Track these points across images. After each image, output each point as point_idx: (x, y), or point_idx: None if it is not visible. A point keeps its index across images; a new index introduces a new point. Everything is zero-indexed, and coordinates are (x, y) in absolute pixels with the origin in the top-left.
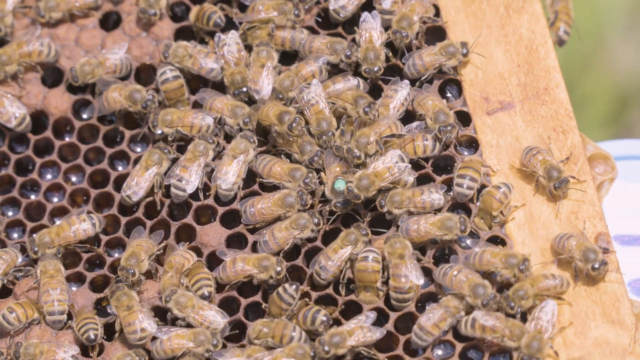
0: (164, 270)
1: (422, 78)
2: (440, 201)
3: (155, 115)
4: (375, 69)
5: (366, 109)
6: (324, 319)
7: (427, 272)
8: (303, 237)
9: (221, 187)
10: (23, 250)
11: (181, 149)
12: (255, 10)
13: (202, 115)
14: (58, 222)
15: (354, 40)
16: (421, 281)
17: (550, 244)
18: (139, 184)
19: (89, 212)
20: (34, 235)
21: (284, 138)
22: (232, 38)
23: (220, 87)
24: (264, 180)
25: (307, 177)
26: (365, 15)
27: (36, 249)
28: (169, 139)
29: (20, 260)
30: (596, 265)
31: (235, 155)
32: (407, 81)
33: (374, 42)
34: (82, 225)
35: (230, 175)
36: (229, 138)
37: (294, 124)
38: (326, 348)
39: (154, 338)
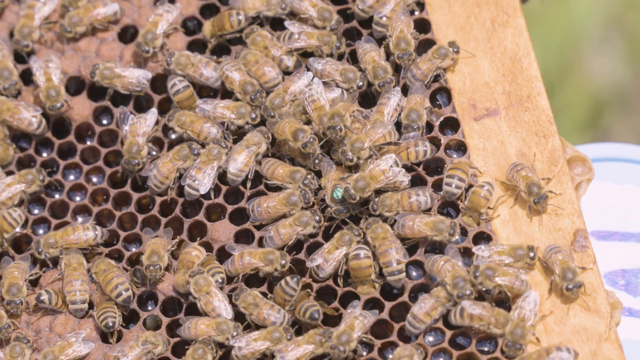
0: (177, 268)
1: (425, 83)
2: (427, 203)
3: (175, 111)
4: (388, 80)
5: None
6: (316, 316)
7: (419, 265)
8: (305, 233)
9: (229, 170)
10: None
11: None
12: (301, 39)
13: (210, 125)
14: (65, 227)
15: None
16: (406, 257)
17: (541, 250)
18: (164, 172)
19: (96, 224)
20: (41, 237)
21: (292, 149)
22: (228, 64)
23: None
24: (268, 182)
25: (306, 179)
26: (358, 43)
27: (40, 249)
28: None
29: (29, 270)
30: (570, 286)
31: (248, 146)
32: (398, 88)
33: (377, 60)
34: (85, 232)
35: (239, 162)
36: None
37: (308, 143)
38: (341, 348)
39: (179, 325)
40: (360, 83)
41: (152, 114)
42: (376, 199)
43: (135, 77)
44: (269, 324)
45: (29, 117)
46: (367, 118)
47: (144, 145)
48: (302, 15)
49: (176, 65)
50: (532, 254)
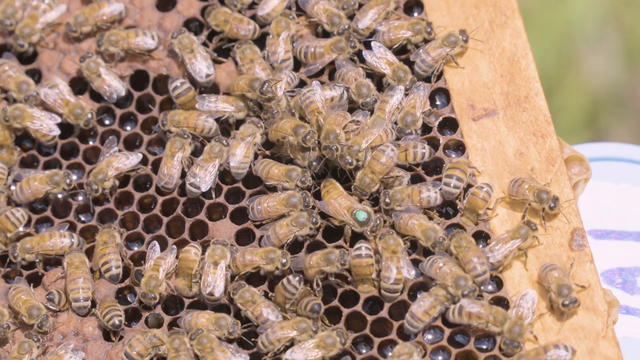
0: (177, 272)
1: (435, 72)
2: (436, 199)
3: (165, 114)
4: (371, 101)
5: (305, 138)
6: (316, 308)
7: (417, 264)
8: (302, 234)
9: (231, 165)
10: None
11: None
12: (317, 55)
13: (205, 117)
14: (41, 232)
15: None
16: (412, 274)
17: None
18: (170, 173)
19: (71, 231)
20: (18, 242)
21: (292, 147)
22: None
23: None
24: (266, 183)
25: (303, 176)
26: (365, 53)
27: (16, 254)
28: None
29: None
30: (566, 302)
31: (243, 138)
32: (402, 87)
33: (393, 62)
34: (61, 239)
35: (238, 156)
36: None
37: (308, 137)
38: None
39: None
40: (369, 100)
41: (136, 157)
42: (387, 192)
43: (110, 87)
44: (262, 321)
45: (51, 126)
46: (359, 123)
47: (111, 177)
48: (313, 18)
49: (178, 44)
50: (534, 226)
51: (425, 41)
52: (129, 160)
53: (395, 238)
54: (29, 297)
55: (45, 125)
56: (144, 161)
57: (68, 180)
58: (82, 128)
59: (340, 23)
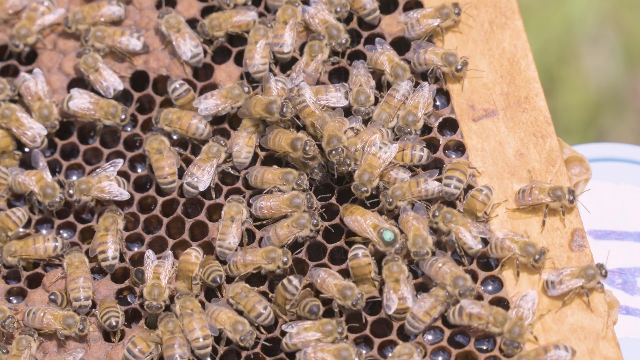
0: (178, 275)
1: (429, 72)
2: (434, 189)
3: (160, 112)
4: (367, 112)
5: (305, 149)
6: (315, 309)
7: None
8: (302, 235)
9: (234, 153)
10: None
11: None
12: (313, 70)
13: (199, 119)
14: (27, 237)
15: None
16: (408, 303)
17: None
18: (167, 170)
19: (57, 235)
20: (4, 245)
21: (294, 159)
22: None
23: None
24: (262, 189)
25: (299, 179)
26: (368, 48)
27: (0, 256)
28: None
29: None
30: (603, 272)
31: (246, 128)
32: (408, 81)
33: (393, 58)
34: (44, 243)
35: (241, 144)
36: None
37: (307, 148)
38: None
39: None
40: (362, 110)
41: (125, 195)
42: (385, 192)
43: (107, 82)
44: (254, 315)
45: (35, 136)
46: (356, 131)
47: (92, 195)
48: (311, 28)
49: (164, 23)
50: (537, 257)
51: (456, 23)
52: (115, 190)
53: (400, 265)
54: (56, 311)
55: (29, 134)
56: (145, 161)
57: (58, 198)
58: (119, 124)
59: (338, 36)
